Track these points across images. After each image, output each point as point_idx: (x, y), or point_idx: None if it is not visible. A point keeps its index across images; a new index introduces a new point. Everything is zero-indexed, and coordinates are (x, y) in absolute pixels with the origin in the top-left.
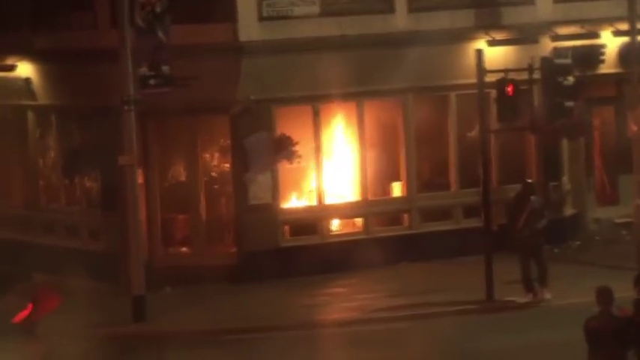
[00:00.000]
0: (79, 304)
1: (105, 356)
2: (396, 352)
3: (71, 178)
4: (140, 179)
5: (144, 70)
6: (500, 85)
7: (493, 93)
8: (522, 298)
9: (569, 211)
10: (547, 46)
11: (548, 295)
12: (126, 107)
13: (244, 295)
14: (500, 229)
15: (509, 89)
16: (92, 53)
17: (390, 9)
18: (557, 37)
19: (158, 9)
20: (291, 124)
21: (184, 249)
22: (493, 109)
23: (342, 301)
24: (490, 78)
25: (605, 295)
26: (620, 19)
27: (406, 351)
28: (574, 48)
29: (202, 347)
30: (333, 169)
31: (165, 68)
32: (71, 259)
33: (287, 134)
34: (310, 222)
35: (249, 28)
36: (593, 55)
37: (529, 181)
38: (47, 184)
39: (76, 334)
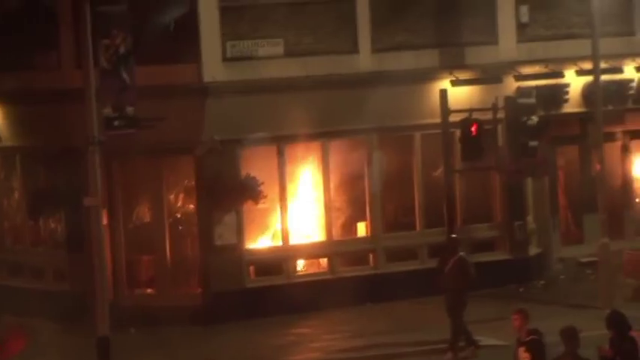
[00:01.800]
0: (44, 345)
1: None
2: None
3: (36, 219)
4: (105, 220)
5: (108, 111)
6: (465, 124)
7: (457, 133)
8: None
9: (533, 250)
10: (511, 85)
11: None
12: (90, 148)
13: (209, 336)
14: None
15: (474, 129)
16: (56, 94)
17: (354, 49)
18: (521, 77)
19: (122, 50)
20: (257, 164)
21: (149, 290)
22: (457, 148)
23: (307, 342)
24: (454, 118)
25: (570, 335)
26: (583, 58)
27: None
28: (538, 87)
29: None
30: (298, 209)
31: (129, 109)
32: (37, 300)
33: (252, 175)
34: (276, 262)
35: (213, 69)
36: (557, 94)
37: (453, 236)
38: (12, 226)
39: None
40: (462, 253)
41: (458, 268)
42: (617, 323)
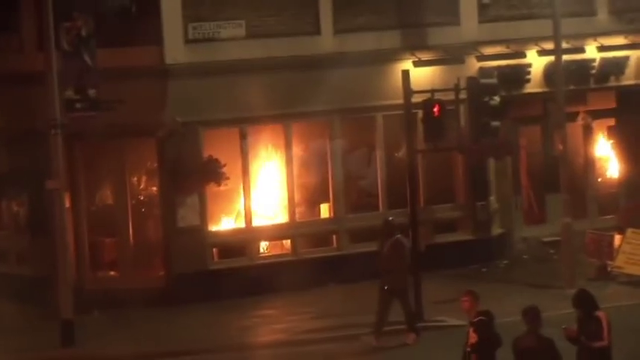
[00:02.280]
0: (7, 328)
1: None
2: None
3: None
4: (67, 203)
5: (70, 93)
6: (427, 105)
7: (420, 113)
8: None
9: (496, 230)
10: (473, 66)
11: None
12: (53, 131)
13: (173, 318)
14: (428, 249)
15: (436, 110)
16: (18, 76)
17: (316, 31)
18: (482, 57)
19: (84, 33)
20: (219, 146)
21: (112, 272)
22: (420, 129)
23: (271, 323)
24: (417, 99)
25: (532, 315)
26: (545, 38)
27: None
28: (500, 68)
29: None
30: (261, 190)
31: (91, 92)
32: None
33: (214, 156)
34: (238, 244)
35: (175, 51)
36: (519, 74)
37: (390, 219)
38: None
39: (4, 359)
40: (398, 236)
41: (393, 250)
42: (584, 302)
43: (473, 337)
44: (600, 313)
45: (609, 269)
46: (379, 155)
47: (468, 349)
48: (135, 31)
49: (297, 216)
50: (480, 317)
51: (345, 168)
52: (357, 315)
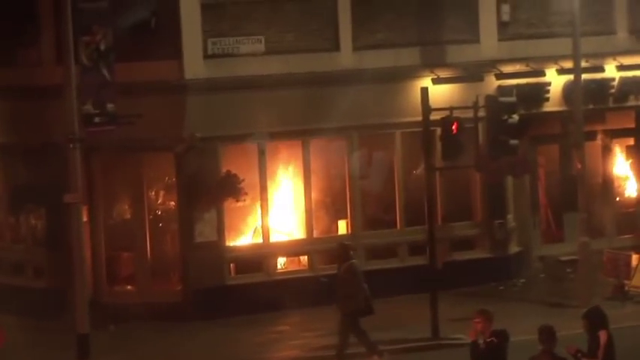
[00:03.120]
0: (22, 342)
1: None
2: None
3: (16, 215)
4: (85, 217)
5: (88, 107)
6: (445, 123)
7: (438, 131)
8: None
9: (514, 248)
10: (492, 84)
11: None
12: (71, 145)
13: (189, 333)
14: (445, 267)
15: (454, 127)
16: (37, 90)
17: (335, 47)
18: (501, 75)
19: (102, 47)
20: (237, 161)
21: (129, 287)
22: (438, 147)
23: (287, 339)
24: (435, 116)
25: (547, 334)
26: (564, 57)
27: None
28: (519, 86)
29: None
30: (278, 206)
31: (110, 106)
32: (16, 296)
33: (233, 172)
34: (256, 260)
35: (194, 66)
36: (538, 93)
37: (346, 242)
38: None
39: None
40: (353, 260)
41: (348, 274)
42: (592, 318)
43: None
44: (602, 333)
45: (626, 288)
46: (397, 172)
47: None
48: (154, 46)
49: (314, 232)
50: (491, 338)
51: (362, 184)
52: (373, 331)
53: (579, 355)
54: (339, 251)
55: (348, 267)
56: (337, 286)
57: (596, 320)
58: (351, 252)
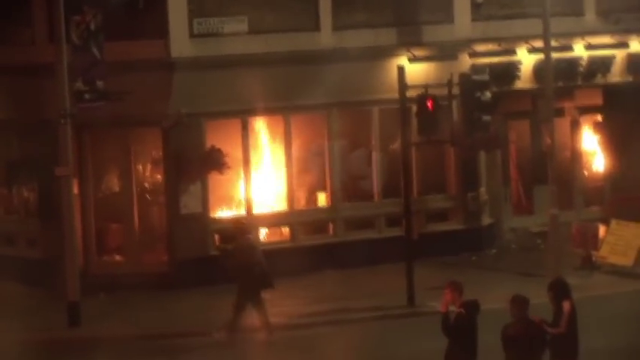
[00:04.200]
0: (15, 309)
1: None
2: (320, 356)
3: (10, 188)
4: (76, 190)
5: (79, 84)
6: (421, 100)
7: (414, 108)
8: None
9: (486, 220)
10: (466, 62)
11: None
12: (62, 121)
13: (175, 301)
14: (420, 238)
15: (430, 104)
16: (30, 68)
17: (315, 27)
18: (475, 54)
19: (93, 26)
20: (221, 136)
21: (118, 257)
22: (414, 123)
23: (269, 307)
24: (411, 93)
25: (520, 303)
26: (535, 37)
27: (329, 355)
28: (491, 64)
29: (134, 352)
30: (261, 180)
31: (99, 83)
32: (9, 266)
33: (217, 146)
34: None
35: (180, 45)
36: (510, 71)
37: (242, 220)
38: None
39: (12, 339)
40: (249, 235)
41: (244, 248)
42: (556, 289)
43: (452, 326)
44: (565, 303)
45: (594, 259)
46: (375, 147)
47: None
48: (142, 25)
49: (295, 204)
50: (460, 309)
51: (341, 159)
52: (351, 300)
53: (543, 325)
54: (235, 227)
55: (244, 241)
56: (235, 261)
57: (559, 291)
58: (247, 227)
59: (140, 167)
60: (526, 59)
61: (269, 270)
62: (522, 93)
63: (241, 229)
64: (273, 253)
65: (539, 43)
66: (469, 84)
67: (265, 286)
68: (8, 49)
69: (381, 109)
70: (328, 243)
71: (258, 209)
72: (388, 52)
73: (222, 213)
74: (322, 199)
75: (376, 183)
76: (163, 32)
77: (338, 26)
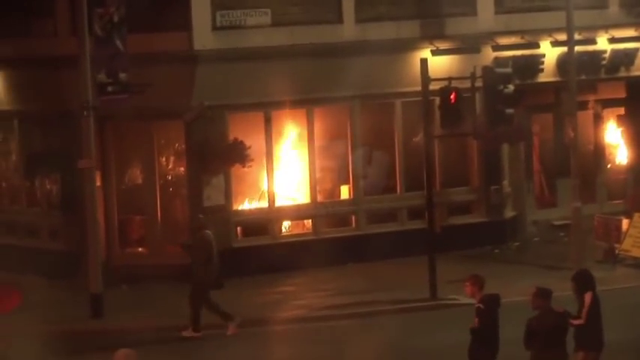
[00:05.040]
0: (39, 301)
1: (63, 352)
2: (343, 348)
3: (32, 180)
4: (98, 182)
5: (102, 77)
6: (444, 93)
7: (437, 100)
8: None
9: (509, 213)
10: (489, 55)
11: (186, 333)
12: (85, 113)
13: None
14: (443, 231)
15: (452, 97)
16: (53, 60)
17: (338, 19)
18: (498, 47)
19: (116, 18)
20: (244, 129)
21: (140, 249)
22: (437, 115)
23: (291, 300)
24: (434, 86)
25: (544, 295)
26: (558, 30)
27: (352, 347)
28: (514, 57)
29: (158, 343)
30: (283, 172)
31: (122, 75)
32: (32, 258)
33: (240, 139)
34: (262, 223)
35: (203, 37)
36: (533, 64)
37: (200, 216)
38: (9, 187)
39: (35, 331)
40: (207, 231)
41: (200, 243)
42: (579, 280)
43: (476, 322)
44: (587, 295)
45: (617, 252)
46: (397, 140)
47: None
48: (165, 18)
49: (318, 197)
50: (478, 304)
51: (364, 151)
52: (372, 292)
53: (567, 316)
54: (194, 223)
55: (201, 237)
56: (191, 256)
57: (582, 283)
58: (205, 224)
59: (163, 160)
60: (549, 52)
61: (220, 269)
62: (545, 86)
63: (199, 225)
64: (296, 245)
65: (562, 36)
66: (492, 77)
67: (215, 286)
68: (31, 41)
69: (403, 102)
70: (351, 236)
71: (281, 202)
72: (411, 44)
73: (245, 205)
74: (345, 191)
75: (399, 175)
76: (186, 24)
77: (361, 19)
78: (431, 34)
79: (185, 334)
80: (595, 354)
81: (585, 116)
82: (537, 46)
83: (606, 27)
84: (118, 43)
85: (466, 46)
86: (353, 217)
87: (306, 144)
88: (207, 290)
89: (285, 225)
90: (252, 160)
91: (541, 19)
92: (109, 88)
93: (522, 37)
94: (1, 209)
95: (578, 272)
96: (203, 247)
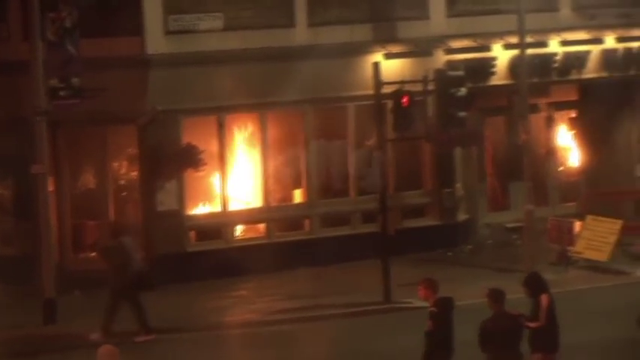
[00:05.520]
0: None
1: (15, 357)
2: (295, 351)
3: None
4: (51, 187)
5: (54, 82)
6: (396, 96)
7: (389, 104)
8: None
9: (462, 216)
10: (441, 59)
11: (93, 337)
12: (37, 118)
13: (151, 298)
14: (396, 234)
15: (405, 100)
16: (4, 65)
17: (290, 23)
18: (450, 51)
19: (68, 23)
20: (197, 133)
21: (94, 254)
22: (390, 119)
23: (245, 304)
24: (387, 89)
25: (496, 296)
26: (510, 33)
27: (304, 352)
28: (466, 61)
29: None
30: (237, 176)
31: (75, 80)
32: None
33: (193, 143)
34: (215, 227)
35: (156, 42)
36: (485, 67)
37: (116, 221)
38: None
39: None
40: (124, 237)
41: (117, 249)
42: (532, 284)
43: (429, 325)
44: (543, 297)
45: (569, 254)
46: (350, 143)
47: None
48: (117, 22)
49: (271, 201)
50: (431, 307)
51: (318, 155)
52: (328, 296)
53: (522, 319)
54: (110, 228)
55: (118, 243)
56: (108, 262)
57: (535, 286)
58: (121, 229)
59: (116, 164)
60: (501, 55)
61: (148, 270)
62: (498, 89)
63: (114, 231)
64: (249, 249)
65: (514, 39)
66: (444, 80)
67: (144, 287)
68: None
69: (356, 106)
70: (304, 239)
71: (234, 206)
72: (363, 48)
73: (199, 210)
74: (298, 195)
75: (351, 179)
76: (139, 29)
77: (313, 23)
78: (383, 38)
79: (93, 337)
80: (552, 356)
81: (537, 119)
82: (489, 49)
83: (558, 30)
84: (71, 47)
85: (418, 49)
86: (306, 221)
87: (259, 148)
88: (134, 293)
89: (239, 229)
90: (205, 164)
91: (493, 22)
92: (62, 93)
93: (474, 41)
94: None
95: (529, 276)
96: (119, 253)
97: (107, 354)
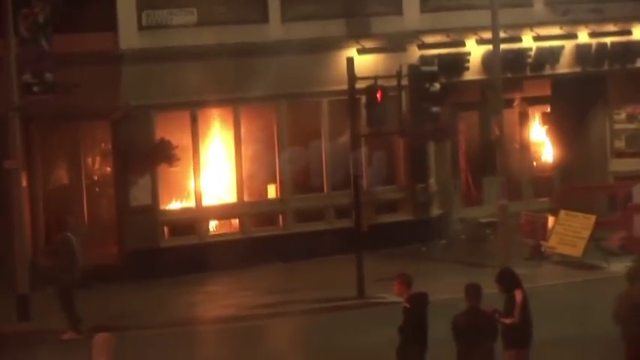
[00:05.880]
0: None
1: None
2: (268, 347)
3: None
4: (24, 182)
5: (27, 77)
6: (370, 91)
7: (363, 99)
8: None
9: (435, 211)
10: (414, 54)
11: (65, 336)
12: (10, 114)
13: (125, 293)
14: (370, 229)
15: (379, 95)
16: None
17: (264, 19)
18: (424, 46)
19: (41, 19)
20: (171, 128)
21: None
22: (363, 114)
23: (219, 299)
24: (360, 85)
25: (473, 292)
26: (483, 28)
27: (278, 347)
28: (440, 56)
29: (83, 346)
30: (211, 171)
31: (48, 76)
32: None
33: (166, 138)
34: (189, 223)
35: (129, 37)
36: (459, 62)
37: (66, 217)
38: None
39: None
40: (68, 233)
41: (61, 245)
42: (505, 280)
43: (402, 320)
44: (517, 292)
45: (543, 249)
46: (324, 138)
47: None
48: (90, 18)
49: (245, 196)
50: (405, 303)
51: (291, 151)
52: (301, 291)
53: (497, 315)
54: (56, 224)
55: (62, 238)
56: (53, 259)
57: (508, 281)
58: (68, 225)
59: (89, 160)
60: (475, 50)
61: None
62: (471, 84)
63: (61, 226)
64: (223, 244)
65: (487, 35)
66: (418, 75)
67: (82, 285)
68: None
69: (330, 101)
70: (278, 235)
71: (208, 201)
72: (337, 43)
73: (172, 205)
74: (272, 190)
75: (325, 174)
76: (112, 24)
77: (287, 18)
78: (357, 33)
79: (65, 336)
80: (526, 351)
81: (511, 114)
82: (463, 44)
83: (531, 25)
84: (44, 43)
85: (392, 44)
86: (280, 216)
87: (232, 143)
88: (72, 292)
89: (213, 224)
90: (178, 159)
91: (466, 17)
92: (35, 89)
93: (448, 36)
94: None
95: (502, 272)
96: (65, 250)
97: (103, 342)
